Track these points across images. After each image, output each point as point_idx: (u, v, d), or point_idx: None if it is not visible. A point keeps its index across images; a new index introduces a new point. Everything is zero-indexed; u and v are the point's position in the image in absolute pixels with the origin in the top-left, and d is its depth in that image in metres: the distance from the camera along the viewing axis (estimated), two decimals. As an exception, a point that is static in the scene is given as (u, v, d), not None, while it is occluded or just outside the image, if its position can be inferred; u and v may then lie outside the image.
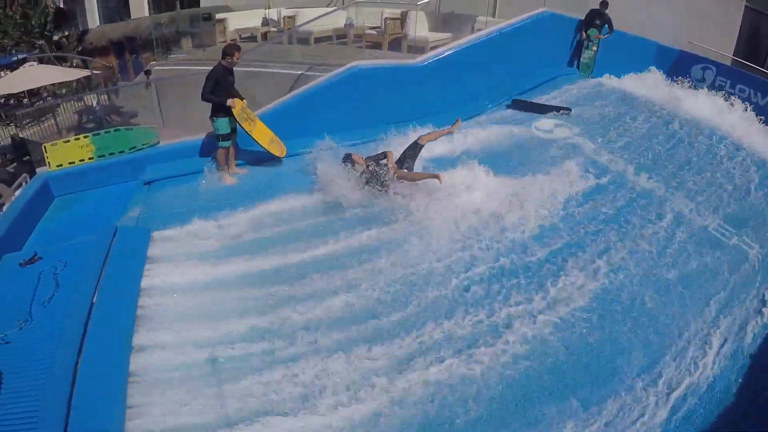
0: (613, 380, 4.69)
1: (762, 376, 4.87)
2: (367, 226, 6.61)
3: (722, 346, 5.14)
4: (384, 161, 7.17)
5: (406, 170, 7.21)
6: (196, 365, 4.60)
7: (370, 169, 7.04)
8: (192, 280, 5.66)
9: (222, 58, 7.47)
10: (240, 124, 7.82)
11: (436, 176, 6.69)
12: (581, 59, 12.01)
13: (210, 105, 7.56)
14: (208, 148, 8.45)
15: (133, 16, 21.40)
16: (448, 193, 6.81)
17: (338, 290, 5.58)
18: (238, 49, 7.55)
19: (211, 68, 7.57)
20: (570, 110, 9.75)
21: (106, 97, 12.78)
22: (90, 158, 8.08)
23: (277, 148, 8.38)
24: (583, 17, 12.09)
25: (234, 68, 7.75)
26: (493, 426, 4.23)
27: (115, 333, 4.68)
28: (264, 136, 8.20)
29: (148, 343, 4.74)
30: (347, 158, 7.20)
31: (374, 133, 8.96)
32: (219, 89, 7.40)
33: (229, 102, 7.50)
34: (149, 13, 20.91)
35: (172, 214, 6.89)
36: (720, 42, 13.82)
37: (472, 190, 6.94)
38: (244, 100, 7.84)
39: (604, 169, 8.08)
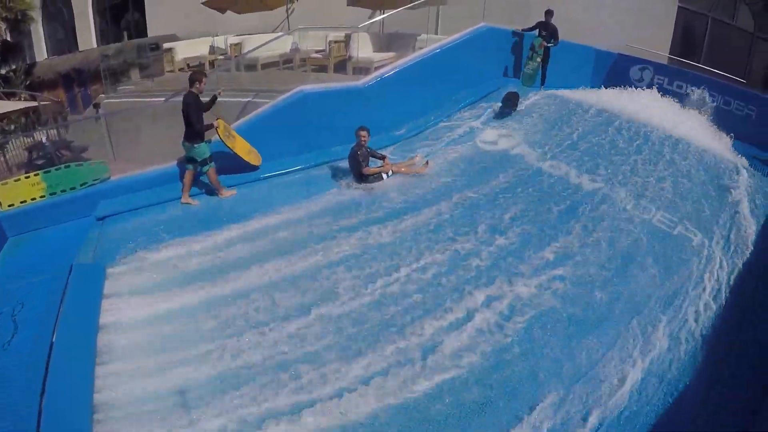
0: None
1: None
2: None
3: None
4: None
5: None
6: (159, 397, 4.73)
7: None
8: (149, 312, 5.78)
9: (190, 86, 7.81)
10: (224, 142, 8.32)
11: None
12: (524, 69, 12.42)
13: (184, 131, 8.03)
14: (161, 179, 8.66)
15: (81, 48, 21.27)
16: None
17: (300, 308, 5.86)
18: (204, 74, 8.04)
19: (182, 97, 7.98)
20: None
21: (55, 132, 12.75)
22: (42, 196, 8.11)
23: (255, 158, 8.92)
24: (515, 30, 12.60)
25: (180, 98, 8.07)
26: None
27: (76, 372, 4.78)
28: (243, 149, 8.71)
29: (109, 379, 4.87)
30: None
31: (322, 155, 9.40)
32: (199, 116, 7.84)
33: (215, 123, 8.10)
34: (97, 45, 20.84)
35: (127, 248, 7.02)
36: (657, 42, 14.59)
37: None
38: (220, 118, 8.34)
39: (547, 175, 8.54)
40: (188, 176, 8.31)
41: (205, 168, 8.24)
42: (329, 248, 6.93)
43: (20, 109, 14.36)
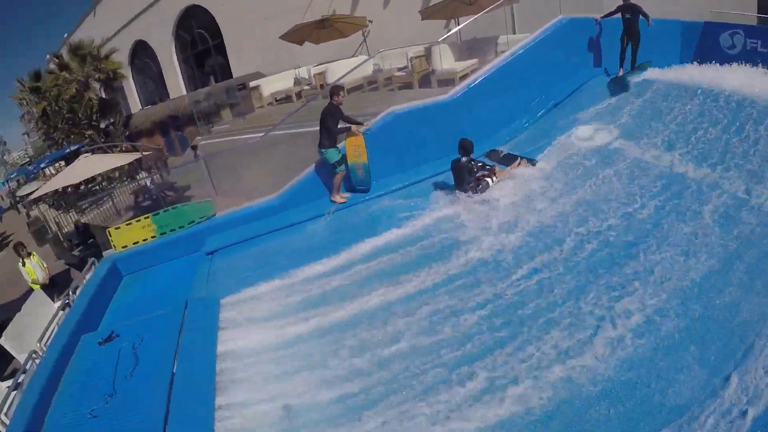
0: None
1: None
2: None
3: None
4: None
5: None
6: (278, 426, 4.66)
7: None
8: (264, 341, 5.79)
9: (330, 99, 8.41)
10: (347, 155, 8.74)
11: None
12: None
13: (320, 138, 8.54)
14: (264, 212, 8.81)
15: (171, 96, 22.41)
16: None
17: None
18: (342, 88, 8.76)
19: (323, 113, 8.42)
20: (535, 161, 9.06)
21: (159, 176, 13.33)
22: (152, 237, 8.45)
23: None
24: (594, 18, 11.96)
25: (277, 131, 8.23)
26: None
27: (197, 399, 4.82)
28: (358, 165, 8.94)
29: (230, 406, 4.87)
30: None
31: (418, 173, 9.25)
32: (336, 123, 8.40)
33: (362, 128, 8.79)
34: (186, 91, 21.88)
35: (237, 280, 7.10)
36: (741, 3, 13.47)
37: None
38: (327, 150, 8.55)
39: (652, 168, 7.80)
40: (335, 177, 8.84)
41: (336, 171, 8.66)
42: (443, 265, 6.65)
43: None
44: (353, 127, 8.66)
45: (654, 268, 5.55)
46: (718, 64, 9.88)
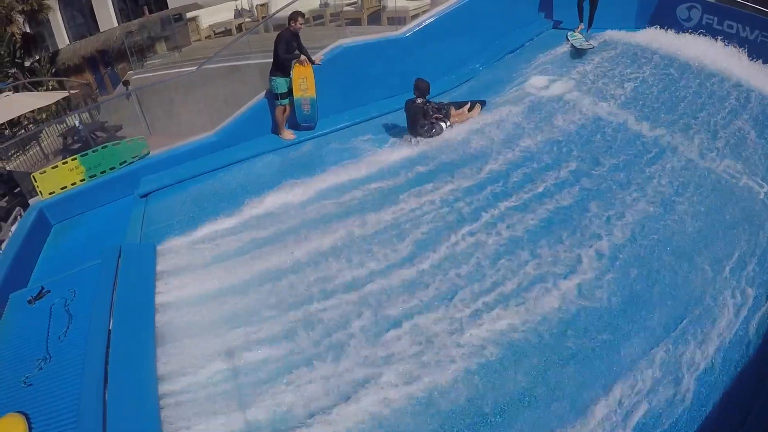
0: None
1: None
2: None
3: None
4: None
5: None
6: (225, 377, 4.42)
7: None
8: (206, 288, 5.46)
9: (288, 24, 8.01)
10: (293, 87, 8.24)
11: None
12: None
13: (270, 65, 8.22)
14: (203, 150, 8.31)
15: (101, 29, 20.99)
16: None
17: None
18: (301, 14, 8.11)
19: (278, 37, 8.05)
20: (485, 102, 8.96)
21: (88, 115, 12.47)
22: (81, 180, 7.82)
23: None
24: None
25: (214, 65, 7.68)
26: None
27: (137, 357, 4.50)
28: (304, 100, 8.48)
29: (172, 362, 4.56)
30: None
31: (366, 111, 8.97)
32: (289, 50, 7.97)
33: (301, 59, 8.12)
34: (118, 23, 20.52)
35: (175, 223, 6.71)
36: None
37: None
38: (273, 79, 8.18)
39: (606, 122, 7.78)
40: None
41: (277, 102, 8.27)
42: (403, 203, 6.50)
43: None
44: (302, 58, 8.11)
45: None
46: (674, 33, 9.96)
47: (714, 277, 4.93)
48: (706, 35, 9.99)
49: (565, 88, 9.02)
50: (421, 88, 7.88)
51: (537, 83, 9.36)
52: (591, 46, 9.71)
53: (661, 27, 10.56)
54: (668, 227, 5.60)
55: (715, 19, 10.59)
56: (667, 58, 9.17)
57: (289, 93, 8.22)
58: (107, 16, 21.48)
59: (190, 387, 4.35)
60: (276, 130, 8.60)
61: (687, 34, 10.14)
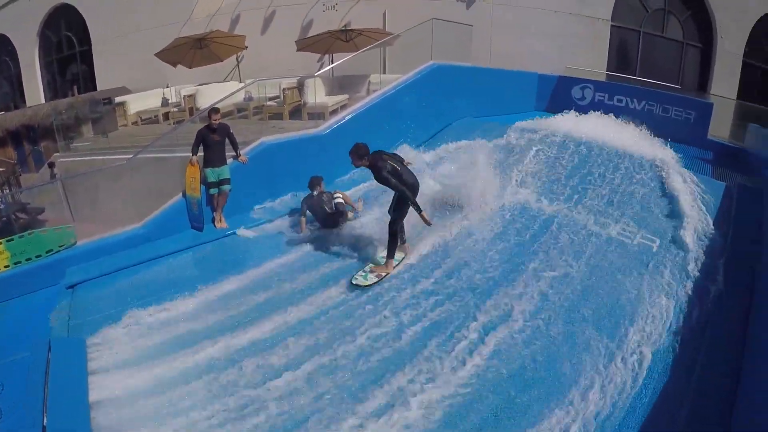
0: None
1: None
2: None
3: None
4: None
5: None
6: None
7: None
8: (139, 383, 5.69)
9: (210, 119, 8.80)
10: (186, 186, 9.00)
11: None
12: None
13: None
14: (130, 241, 8.68)
15: (28, 104, 20.89)
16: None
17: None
18: (214, 111, 8.89)
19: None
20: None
21: (9, 194, 12.50)
22: (6, 266, 7.92)
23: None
24: (468, 65, 13.11)
25: (152, 155, 9.19)
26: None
27: None
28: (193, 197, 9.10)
29: None
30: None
31: (288, 205, 9.77)
32: (203, 145, 8.82)
33: (191, 160, 8.92)
34: (45, 99, 20.54)
35: (102, 316, 6.90)
36: (594, 61, 15.47)
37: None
38: (202, 170, 8.95)
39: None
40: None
41: (209, 191, 9.07)
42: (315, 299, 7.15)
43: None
44: (193, 158, 8.91)
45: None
46: (569, 113, 11.38)
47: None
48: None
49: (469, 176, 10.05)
50: (312, 182, 8.88)
51: (444, 171, 10.34)
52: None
53: (559, 109, 12.03)
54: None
55: (606, 95, 12.24)
56: (567, 137, 10.53)
57: (218, 183, 8.94)
58: (35, 90, 21.45)
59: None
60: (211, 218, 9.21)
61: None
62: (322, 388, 5.54)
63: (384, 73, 14.18)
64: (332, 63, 14.07)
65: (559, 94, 13.41)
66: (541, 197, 9.10)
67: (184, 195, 9.08)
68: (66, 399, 5.22)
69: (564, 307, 6.59)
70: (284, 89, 12.92)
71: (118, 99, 14.54)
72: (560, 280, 7.06)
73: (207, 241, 8.92)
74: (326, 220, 8.77)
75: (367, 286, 7.18)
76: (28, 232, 8.33)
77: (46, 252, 8.21)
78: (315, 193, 8.75)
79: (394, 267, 7.55)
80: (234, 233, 9.10)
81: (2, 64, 23.43)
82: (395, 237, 7.47)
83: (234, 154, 9.29)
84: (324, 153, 10.29)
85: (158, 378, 5.77)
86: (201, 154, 8.96)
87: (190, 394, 5.54)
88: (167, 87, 14.96)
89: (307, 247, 8.53)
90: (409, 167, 7.71)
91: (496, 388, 5.41)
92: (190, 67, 15.13)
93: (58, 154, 13.34)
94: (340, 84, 13.63)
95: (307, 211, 8.81)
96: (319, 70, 14.00)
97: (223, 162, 9.00)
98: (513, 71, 13.53)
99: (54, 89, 21.78)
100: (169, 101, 14.43)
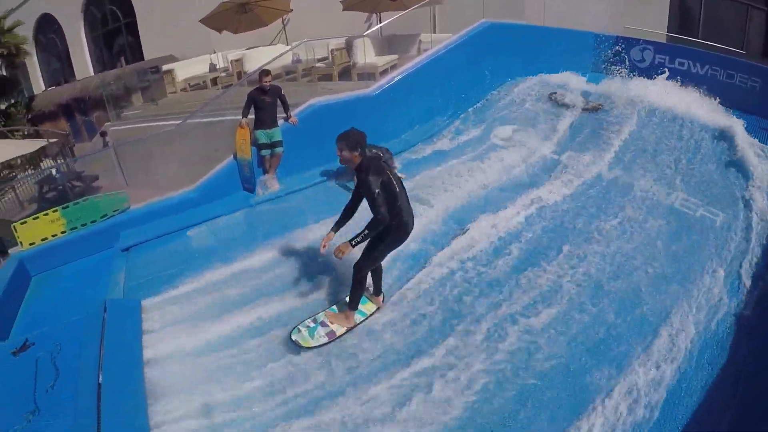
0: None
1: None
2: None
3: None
4: None
5: None
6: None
7: None
8: (191, 343, 5.66)
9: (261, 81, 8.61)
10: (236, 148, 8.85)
11: None
12: None
13: None
14: (183, 204, 8.58)
15: (78, 77, 21.25)
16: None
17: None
18: (265, 72, 8.64)
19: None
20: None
21: (64, 164, 12.68)
22: (62, 232, 8.03)
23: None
24: (521, 23, 12.48)
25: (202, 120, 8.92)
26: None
27: (129, 412, 4.64)
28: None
29: (162, 416, 4.75)
30: None
31: (330, 168, 9.48)
32: (254, 107, 8.63)
33: (241, 122, 8.78)
34: (94, 72, 20.81)
35: (157, 278, 6.89)
36: (653, 22, 14.56)
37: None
38: (253, 132, 8.80)
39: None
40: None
41: (260, 153, 8.94)
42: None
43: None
44: (243, 120, 8.75)
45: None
46: (628, 76, 10.70)
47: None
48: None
49: (526, 136, 9.64)
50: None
51: (501, 134, 9.99)
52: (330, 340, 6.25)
53: (616, 71, 11.41)
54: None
55: (667, 57, 11.50)
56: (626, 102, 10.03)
57: (271, 145, 8.75)
58: (83, 64, 21.80)
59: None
60: (263, 179, 9.05)
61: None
62: (377, 350, 5.43)
63: (434, 32, 13.69)
64: (380, 22, 13.62)
65: (617, 56, 12.64)
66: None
67: (235, 157, 8.92)
68: (121, 357, 5.24)
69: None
70: (332, 50, 12.58)
71: (165, 67, 14.52)
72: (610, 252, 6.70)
73: (259, 203, 8.78)
74: None
75: (310, 347, 5.41)
76: (83, 198, 8.42)
77: (101, 217, 8.24)
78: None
79: (356, 324, 5.71)
80: (286, 194, 8.91)
81: (49, 42, 23.92)
82: (362, 284, 5.49)
83: (285, 116, 9.04)
84: (374, 114, 9.96)
85: (210, 338, 5.73)
86: (252, 116, 8.79)
87: (241, 355, 5.49)
88: (214, 53, 14.80)
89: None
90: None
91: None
92: (236, 33, 14.88)
93: (109, 123, 13.42)
94: (389, 43, 13.18)
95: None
96: (367, 30, 13.55)
97: (275, 124, 8.78)
98: (568, 30, 12.76)
99: (102, 62, 22.10)
100: (217, 66, 14.30)
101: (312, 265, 6.82)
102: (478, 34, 11.64)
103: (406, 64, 10.95)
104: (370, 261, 5.36)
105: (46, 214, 8.04)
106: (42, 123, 18.19)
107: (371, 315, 5.84)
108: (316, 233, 7.44)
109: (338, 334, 5.54)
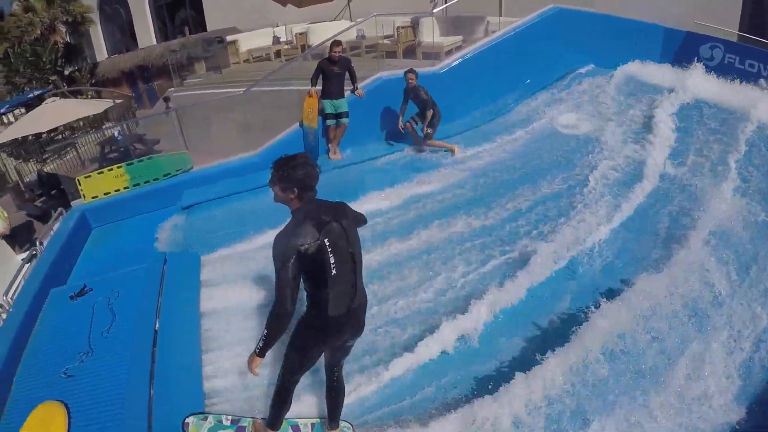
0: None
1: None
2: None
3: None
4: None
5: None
6: (266, 384, 4.50)
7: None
8: (247, 297, 5.64)
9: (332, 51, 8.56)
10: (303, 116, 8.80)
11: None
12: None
13: None
14: (243, 169, 8.56)
15: (140, 45, 21.61)
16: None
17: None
18: (337, 43, 8.61)
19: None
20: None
21: (126, 127, 12.89)
22: (125, 187, 8.16)
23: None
24: (591, 11, 12.02)
25: (265, 88, 8.71)
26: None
27: (184, 360, 4.62)
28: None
29: (217, 366, 4.74)
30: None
31: (401, 143, 9.29)
32: (322, 77, 8.57)
33: (310, 91, 8.73)
34: (156, 41, 21.11)
35: (215, 236, 6.88)
36: (724, 19, 13.84)
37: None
38: (320, 101, 8.71)
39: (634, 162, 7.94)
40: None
41: (326, 123, 8.84)
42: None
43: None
44: (312, 89, 8.70)
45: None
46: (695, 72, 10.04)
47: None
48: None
49: (592, 125, 9.28)
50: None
51: (565, 121, 9.67)
52: None
53: (683, 67, 10.68)
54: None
55: (737, 58, 10.85)
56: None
57: (337, 116, 8.65)
58: (146, 34, 22.15)
59: (231, 389, 4.54)
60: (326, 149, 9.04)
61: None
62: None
63: (501, 15, 13.37)
64: (446, 2, 13.36)
65: (685, 52, 12.02)
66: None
67: (301, 125, 8.84)
68: (178, 307, 5.24)
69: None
70: (398, 27, 12.39)
71: (229, 38, 14.62)
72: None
73: (320, 171, 8.58)
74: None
75: None
76: (147, 157, 8.54)
77: (164, 176, 8.33)
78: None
79: None
80: (346, 165, 8.81)
81: (114, 13, 24.41)
82: (283, 400, 3.68)
83: (351, 88, 8.94)
84: (440, 92, 9.61)
85: (264, 294, 5.64)
86: (319, 87, 8.72)
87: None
88: (276, 26, 14.80)
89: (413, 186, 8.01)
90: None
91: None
92: (300, 7, 14.82)
93: (172, 89, 13.57)
94: (454, 24, 12.93)
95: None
96: (433, 9, 13.30)
97: (341, 95, 8.67)
98: (638, 21, 12.20)
99: (164, 34, 22.45)
100: (280, 39, 14.28)
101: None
102: (547, 18, 11.28)
103: (470, 45, 10.72)
104: (288, 365, 3.57)
105: (111, 170, 8.19)
106: (105, 89, 18.55)
107: None
108: (371, 205, 7.32)
109: None
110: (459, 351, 4.90)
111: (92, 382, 4.35)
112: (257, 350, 3.33)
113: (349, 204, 3.74)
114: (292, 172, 3.27)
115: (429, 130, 8.73)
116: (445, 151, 8.91)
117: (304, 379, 3.85)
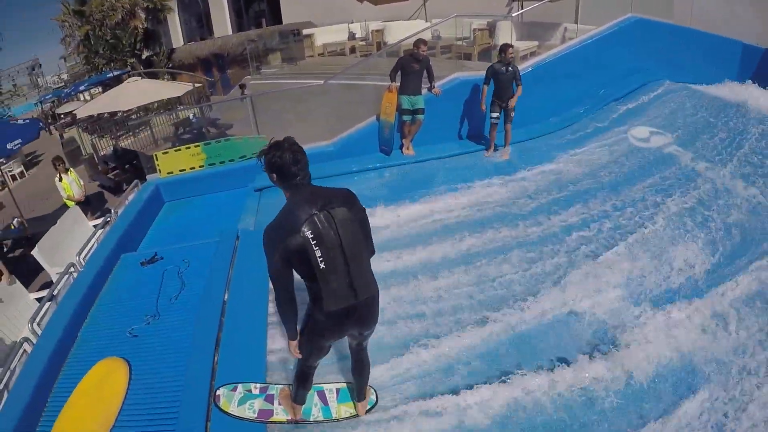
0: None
1: None
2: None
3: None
4: None
5: None
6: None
7: None
8: None
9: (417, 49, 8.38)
10: (381, 110, 8.74)
11: None
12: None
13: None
14: (320, 157, 8.64)
15: (216, 35, 22.16)
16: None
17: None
18: (423, 42, 8.39)
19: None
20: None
21: (200, 110, 13.22)
22: (200, 166, 8.34)
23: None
24: (669, 22, 11.63)
25: (344, 81, 8.68)
26: None
27: (250, 333, 4.64)
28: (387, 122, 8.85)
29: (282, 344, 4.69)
30: None
31: (473, 144, 9.24)
32: (401, 73, 8.43)
33: (390, 86, 8.61)
34: (232, 31, 21.60)
35: None
36: None
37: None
38: (400, 96, 8.54)
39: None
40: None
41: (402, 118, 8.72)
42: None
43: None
44: (392, 84, 8.60)
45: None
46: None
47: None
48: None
49: (665, 141, 8.98)
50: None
51: (638, 134, 9.40)
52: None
53: (762, 86, 10.11)
54: None
55: None
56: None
57: (413, 112, 8.58)
58: (223, 24, 22.68)
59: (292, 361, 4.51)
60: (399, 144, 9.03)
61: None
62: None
63: (576, 23, 13.14)
64: (522, 8, 13.21)
65: (765, 69, 11.46)
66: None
67: (378, 119, 8.85)
68: (247, 281, 5.31)
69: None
70: (475, 29, 12.33)
71: (305, 31, 14.82)
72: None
73: (392, 165, 8.69)
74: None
75: (228, 414, 3.84)
76: (225, 138, 8.65)
77: (240, 157, 8.46)
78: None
79: (303, 420, 3.95)
80: (419, 162, 8.76)
81: (192, 2, 25.16)
82: (304, 379, 3.72)
83: (429, 86, 8.85)
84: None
85: None
86: (396, 83, 8.67)
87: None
88: (352, 22, 14.94)
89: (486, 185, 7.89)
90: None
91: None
92: (376, 4, 14.91)
93: (248, 77, 13.85)
94: (529, 30, 12.79)
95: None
96: (509, 14, 13.18)
97: (419, 92, 8.60)
98: (716, 35, 11.71)
99: (239, 25, 22.95)
100: (356, 35, 14.41)
101: (425, 229, 6.77)
102: (624, 28, 10.99)
103: (546, 51, 10.53)
104: (302, 352, 3.42)
105: (188, 148, 8.39)
106: (180, 74, 19.09)
107: (336, 420, 4.00)
108: (440, 203, 7.31)
109: (274, 419, 3.94)
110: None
111: (157, 344, 4.56)
112: (288, 334, 3.30)
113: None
114: (272, 158, 3.05)
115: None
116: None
117: (330, 355, 3.81)
